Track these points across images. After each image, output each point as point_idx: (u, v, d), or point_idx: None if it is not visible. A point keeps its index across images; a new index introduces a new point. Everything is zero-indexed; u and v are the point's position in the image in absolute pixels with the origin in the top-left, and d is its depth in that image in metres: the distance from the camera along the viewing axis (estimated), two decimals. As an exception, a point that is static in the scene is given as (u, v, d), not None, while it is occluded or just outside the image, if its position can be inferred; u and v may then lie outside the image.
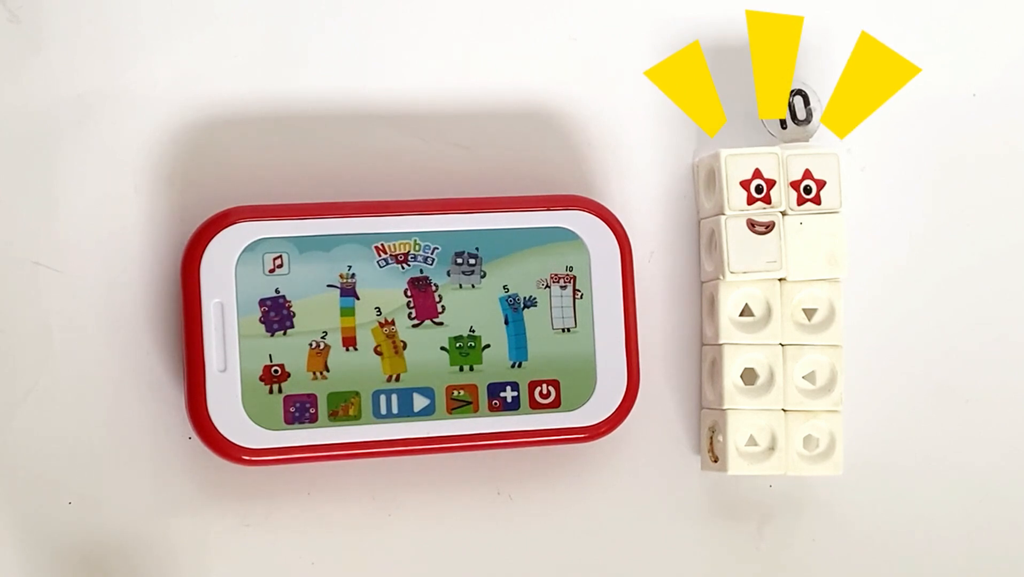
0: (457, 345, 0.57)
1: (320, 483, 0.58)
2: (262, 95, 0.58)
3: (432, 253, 0.57)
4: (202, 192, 0.57)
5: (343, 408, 0.56)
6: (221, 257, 0.55)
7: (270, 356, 0.56)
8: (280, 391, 0.56)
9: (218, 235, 0.55)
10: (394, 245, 0.57)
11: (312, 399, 0.56)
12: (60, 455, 0.56)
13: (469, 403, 0.57)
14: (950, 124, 0.64)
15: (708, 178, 0.61)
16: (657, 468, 0.61)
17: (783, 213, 0.60)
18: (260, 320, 0.56)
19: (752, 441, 0.60)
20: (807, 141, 0.61)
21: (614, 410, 0.58)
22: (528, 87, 0.61)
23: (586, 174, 0.61)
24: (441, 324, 0.57)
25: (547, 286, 0.58)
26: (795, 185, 0.60)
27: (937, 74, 0.64)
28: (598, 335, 0.58)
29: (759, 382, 0.60)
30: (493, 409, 0.57)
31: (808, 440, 0.60)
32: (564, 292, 0.58)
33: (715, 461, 0.60)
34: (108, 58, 0.57)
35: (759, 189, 0.59)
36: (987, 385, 0.64)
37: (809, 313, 0.60)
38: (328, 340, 0.56)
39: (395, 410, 0.57)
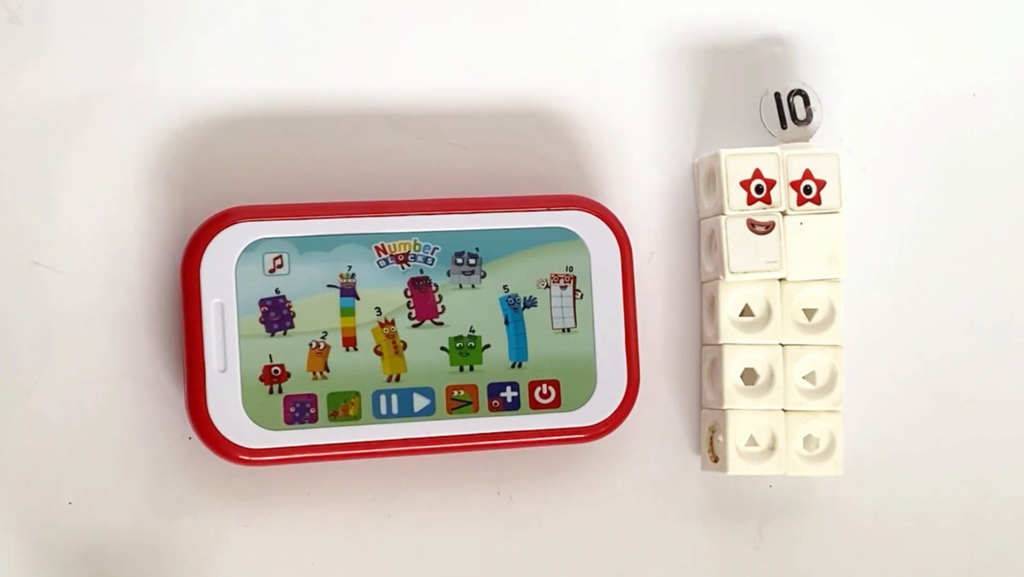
0: (457, 345, 0.57)
1: (320, 483, 0.58)
2: (262, 95, 0.58)
3: (432, 253, 0.57)
4: (202, 192, 0.57)
5: (343, 408, 0.56)
6: (221, 257, 0.55)
7: (270, 356, 0.56)
8: (280, 391, 0.56)
9: (218, 235, 0.55)
10: (394, 245, 0.57)
11: (312, 399, 0.56)
12: (60, 455, 0.56)
13: (469, 403, 0.57)
14: (950, 124, 0.64)
15: (708, 178, 0.61)
16: (657, 468, 0.61)
17: (783, 213, 0.60)
18: (260, 320, 0.56)
19: (752, 441, 0.60)
20: (807, 141, 0.61)
21: (614, 410, 0.58)
22: (528, 87, 0.61)
23: (586, 174, 0.61)
24: (441, 324, 0.57)
25: (547, 286, 0.58)
26: (795, 185, 0.60)
27: (937, 74, 0.64)
28: (598, 335, 0.58)
29: (759, 382, 0.60)
30: (493, 409, 0.57)
31: (808, 440, 0.60)
32: (564, 292, 0.58)
33: (715, 461, 0.60)
34: (108, 59, 0.57)
35: (759, 189, 0.59)
36: (987, 385, 0.64)
37: (809, 313, 0.60)
38: (328, 340, 0.56)
39: (395, 410, 0.57)
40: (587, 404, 0.58)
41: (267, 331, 0.56)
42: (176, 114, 0.58)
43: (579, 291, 0.58)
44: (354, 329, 0.56)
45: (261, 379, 0.56)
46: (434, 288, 0.57)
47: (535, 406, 0.58)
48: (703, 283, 0.62)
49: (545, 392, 0.58)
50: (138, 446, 0.57)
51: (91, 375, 0.57)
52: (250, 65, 0.58)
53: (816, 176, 0.60)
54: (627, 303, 0.59)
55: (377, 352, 0.57)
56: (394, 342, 0.57)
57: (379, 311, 0.57)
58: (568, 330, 0.58)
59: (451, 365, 0.57)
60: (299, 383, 0.56)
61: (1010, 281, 0.64)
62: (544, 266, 0.58)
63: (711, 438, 0.61)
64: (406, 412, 0.57)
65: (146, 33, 0.58)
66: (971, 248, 0.64)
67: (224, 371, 0.55)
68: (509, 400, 0.58)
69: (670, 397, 0.62)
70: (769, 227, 0.59)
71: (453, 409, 0.57)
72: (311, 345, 0.56)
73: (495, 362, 0.58)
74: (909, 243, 0.64)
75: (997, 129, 0.65)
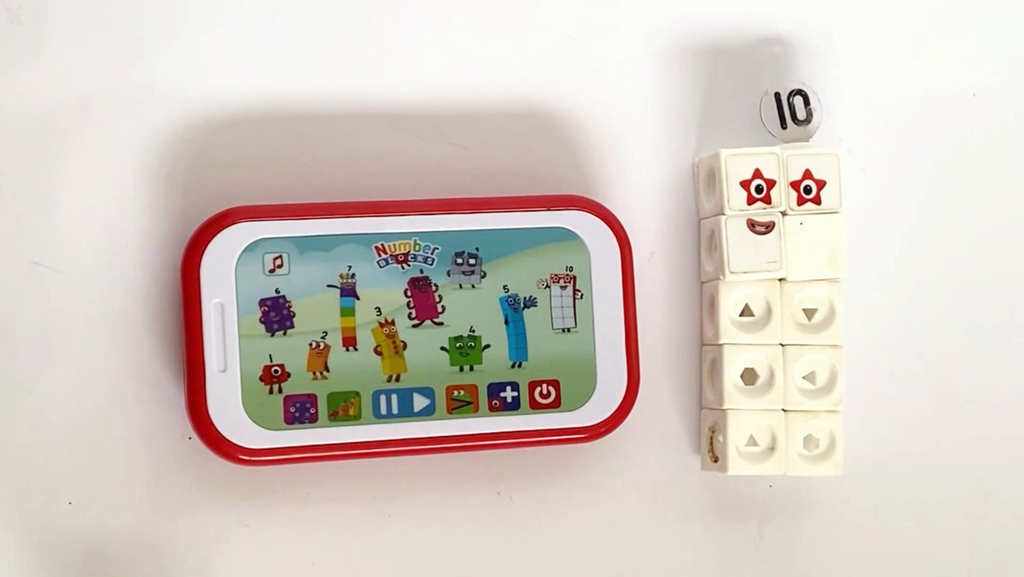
0: (457, 345, 0.57)
1: (320, 483, 0.58)
2: (262, 95, 0.58)
3: (432, 253, 0.57)
4: (202, 192, 0.57)
5: (343, 408, 0.56)
6: (221, 257, 0.55)
7: (270, 356, 0.56)
8: (280, 391, 0.56)
9: (218, 235, 0.55)
10: (394, 245, 0.57)
11: (312, 399, 0.56)
12: (60, 455, 0.56)
13: (469, 403, 0.57)
14: (950, 124, 0.64)
15: (708, 178, 0.61)
16: (657, 468, 0.61)
17: (783, 213, 0.60)
18: (260, 320, 0.56)
19: (752, 441, 0.60)
20: (807, 141, 0.61)
21: (614, 410, 0.58)
22: (528, 87, 0.61)
23: (586, 174, 0.61)
24: (441, 324, 0.57)
25: (547, 286, 0.58)
26: (795, 185, 0.60)
27: (937, 74, 0.64)
28: (598, 335, 0.58)
29: (759, 382, 0.60)
30: (493, 409, 0.57)
31: (808, 440, 0.60)
32: (564, 292, 0.58)
33: (715, 461, 0.60)
34: (109, 59, 0.57)
35: (759, 189, 0.59)
36: (987, 385, 0.64)
37: (809, 313, 0.60)
38: (328, 340, 0.56)
39: (395, 410, 0.57)
40: (587, 404, 0.58)
41: (267, 331, 0.56)
42: (176, 114, 0.58)
43: (579, 291, 0.58)
44: (354, 329, 0.56)
45: (261, 379, 0.56)
46: (434, 288, 0.57)
47: (535, 406, 0.58)
48: (703, 283, 0.62)
49: (545, 392, 0.58)
50: (138, 446, 0.57)
51: (91, 375, 0.57)
52: (250, 65, 0.58)
53: (816, 176, 0.60)
54: (627, 303, 0.59)
55: (377, 352, 0.57)
56: (394, 342, 0.57)
57: (379, 311, 0.57)
58: (568, 330, 0.58)
59: (451, 365, 0.57)
60: (299, 383, 0.56)
61: (1010, 281, 0.64)
62: (544, 266, 0.58)
63: (711, 438, 0.61)
64: (406, 412, 0.57)
65: (146, 33, 0.58)
66: (971, 248, 0.64)
67: (224, 371, 0.55)
68: (509, 400, 0.58)
69: (670, 397, 0.62)
70: (769, 227, 0.59)
71: (453, 409, 0.57)
72: (311, 345, 0.56)
73: (495, 362, 0.58)
74: (909, 243, 0.64)
75: (997, 129, 0.65)
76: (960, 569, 0.64)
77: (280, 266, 0.56)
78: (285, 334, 0.56)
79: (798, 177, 0.60)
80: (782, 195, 0.59)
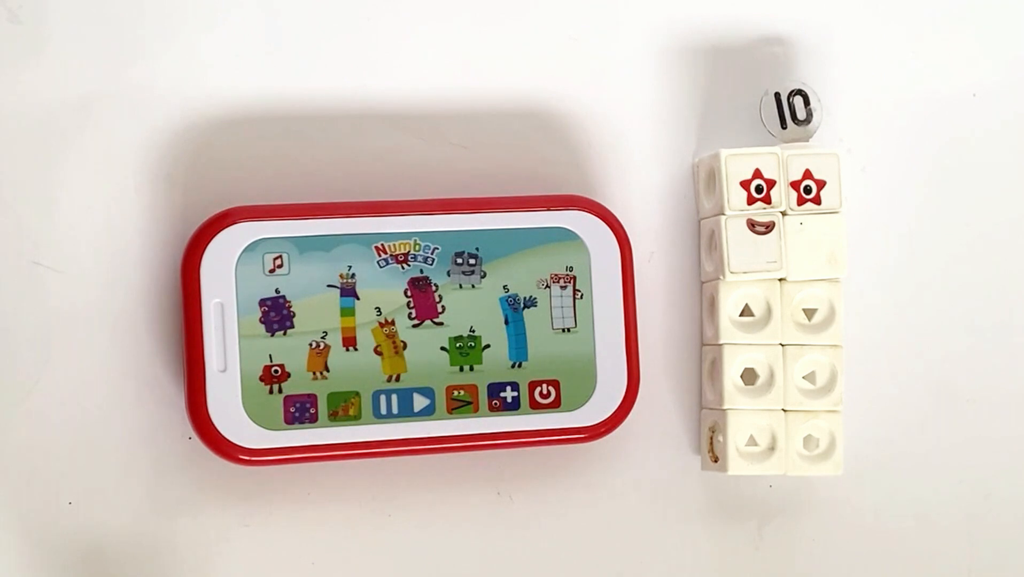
0: (457, 345, 0.57)
1: (320, 483, 0.58)
2: (262, 95, 0.58)
3: (432, 253, 0.57)
4: (202, 192, 0.58)
5: (343, 408, 0.56)
6: (221, 257, 0.55)
7: (270, 356, 0.56)
8: (280, 391, 0.56)
9: (218, 235, 0.55)
10: (394, 245, 0.57)
11: (312, 399, 0.56)
12: (60, 455, 0.56)
13: (469, 403, 0.57)
14: (950, 124, 0.64)
15: (708, 178, 0.61)
16: (657, 468, 0.61)
17: (783, 213, 0.60)
18: (260, 320, 0.56)
19: (752, 441, 0.60)
20: (807, 141, 0.61)
21: (614, 410, 0.58)
22: (528, 87, 0.61)
23: (586, 174, 0.61)
24: (441, 324, 0.57)
25: (547, 286, 0.58)
26: (795, 185, 0.60)
27: (937, 74, 0.64)
28: (598, 335, 0.58)
29: (759, 382, 0.60)
30: (493, 409, 0.57)
31: (808, 440, 0.60)
32: (564, 292, 0.58)
33: (715, 461, 0.60)
34: (109, 59, 0.57)
35: (759, 189, 0.59)
36: (987, 385, 0.64)
37: (809, 313, 0.60)
38: (328, 340, 0.56)
39: (395, 410, 0.57)
40: (587, 404, 0.58)
41: (267, 331, 0.56)
42: (176, 114, 0.58)
43: (579, 291, 0.58)
44: (354, 329, 0.56)
45: (261, 379, 0.56)
46: (434, 288, 0.57)
47: (535, 406, 0.58)
48: (703, 283, 0.62)
49: (545, 392, 0.58)
50: (138, 446, 0.57)
51: (91, 375, 0.57)
52: (250, 65, 0.58)
53: (816, 176, 0.60)
54: (627, 303, 0.59)
55: (377, 352, 0.57)
56: (394, 342, 0.57)
57: (379, 311, 0.57)
58: (568, 330, 0.58)
59: (451, 365, 0.57)
60: (299, 383, 0.56)
61: (1010, 281, 0.64)
62: (544, 266, 0.58)
63: (711, 438, 0.61)
64: (406, 412, 0.57)
65: (146, 33, 0.58)
66: (971, 248, 0.64)
67: (224, 371, 0.55)
68: (509, 400, 0.58)
69: (670, 397, 0.62)
70: (769, 227, 0.59)
71: (453, 409, 0.57)
72: (311, 345, 0.56)
73: (495, 362, 0.58)
74: (909, 243, 0.64)
75: (997, 129, 0.65)
76: (960, 569, 0.64)
77: (280, 266, 0.56)
78: (285, 334, 0.56)
79: (798, 177, 0.60)
80: (782, 195, 0.59)
